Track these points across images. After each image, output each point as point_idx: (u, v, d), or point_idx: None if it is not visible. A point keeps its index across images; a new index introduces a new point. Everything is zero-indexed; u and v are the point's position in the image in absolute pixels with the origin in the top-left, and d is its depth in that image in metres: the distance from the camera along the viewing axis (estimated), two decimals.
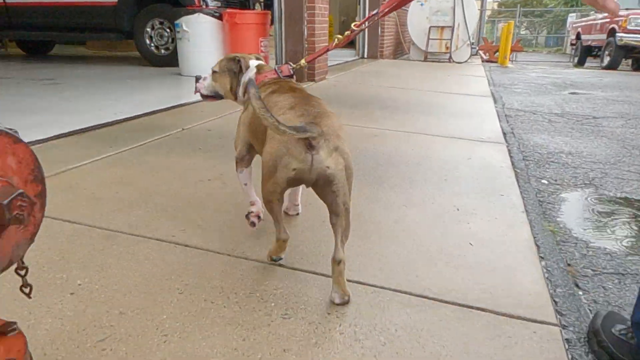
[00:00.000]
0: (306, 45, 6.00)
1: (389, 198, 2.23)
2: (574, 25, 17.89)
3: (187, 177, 2.36)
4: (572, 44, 17.85)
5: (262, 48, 6.33)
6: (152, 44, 7.71)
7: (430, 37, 11.24)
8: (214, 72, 1.90)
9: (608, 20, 13.44)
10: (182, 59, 6.50)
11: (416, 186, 2.41)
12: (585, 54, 15.52)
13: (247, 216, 1.82)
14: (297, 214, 2.00)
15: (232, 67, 1.85)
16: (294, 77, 1.82)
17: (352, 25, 1.88)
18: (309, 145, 1.29)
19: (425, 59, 11.37)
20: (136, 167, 2.47)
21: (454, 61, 11.16)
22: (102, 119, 3.49)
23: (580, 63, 15.56)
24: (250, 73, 1.82)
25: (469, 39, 11.23)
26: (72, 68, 7.34)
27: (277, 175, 1.34)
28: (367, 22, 1.95)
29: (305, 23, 5.91)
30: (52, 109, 3.87)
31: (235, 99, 1.92)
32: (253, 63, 1.85)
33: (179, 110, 3.97)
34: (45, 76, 6.24)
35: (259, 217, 1.82)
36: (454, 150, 3.12)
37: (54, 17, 8.16)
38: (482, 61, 13.98)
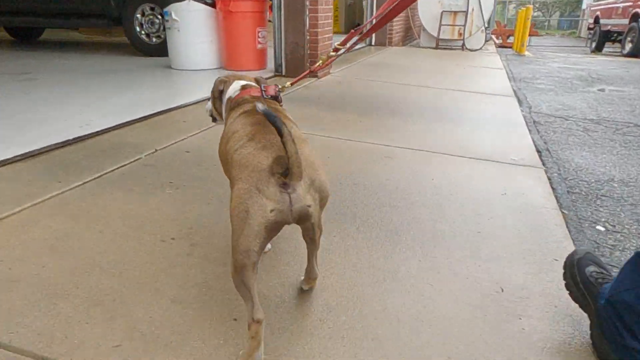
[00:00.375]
0: (308, 37, 5.39)
1: (408, 268, 1.68)
2: (592, 9, 17.04)
3: (145, 232, 1.82)
4: (589, 28, 17.04)
5: (259, 39, 5.74)
6: (143, 32, 7.12)
7: (442, 22, 10.54)
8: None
9: (631, 4, 12.66)
10: (172, 51, 5.91)
11: (442, 244, 1.86)
12: (604, 39, 14.75)
13: None
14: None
15: (214, 88, 1.72)
16: (280, 99, 1.65)
17: (336, 44, 1.76)
18: (284, 183, 1.12)
19: (437, 47, 10.68)
20: (83, 216, 1.93)
21: (467, 49, 10.48)
22: (64, 134, 2.94)
23: (598, 49, 14.84)
24: (232, 92, 1.65)
25: (484, 24, 10.50)
26: (57, 58, 6.76)
27: (251, 224, 1.10)
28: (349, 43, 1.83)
29: (308, 12, 5.29)
30: (13, 118, 3.32)
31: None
32: (239, 83, 1.66)
33: (159, 120, 3.41)
34: (23, 69, 5.68)
35: None
36: (484, 179, 2.55)
37: (39, 2, 7.58)
38: (496, 47, 13.27)
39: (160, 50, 6.76)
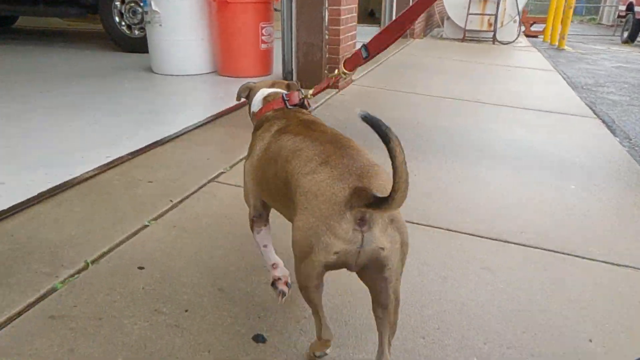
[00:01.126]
0: (327, 37, 4.16)
1: None
2: None
3: None
4: (619, 16, 15.74)
5: (263, 37, 4.51)
6: (123, 23, 5.92)
7: (470, 11, 9.24)
8: None
9: None
10: (153, 51, 4.70)
11: None
12: (638, 28, 13.49)
13: (273, 285, 1.44)
14: None
15: (237, 96, 1.58)
16: (308, 105, 1.47)
17: (342, 64, 1.54)
18: (361, 219, 0.95)
19: (464, 39, 9.38)
20: None
21: (498, 42, 9.19)
22: None
23: (631, 39, 13.61)
24: (255, 106, 1.49)
25: (518, 14, 9.19)
26: (19, 55, 5.55)
27: (313, 260, 0.99)
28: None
29: (326, 4, 4.05)
30: None
31: None
32: (262, 94, 1.49)
33: (108, 182, 2.21)
34: None
35: (287, 283, 1.43)
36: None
37: None
38: (525, 36, 11.96)
39: (143, 45, 5.51)
